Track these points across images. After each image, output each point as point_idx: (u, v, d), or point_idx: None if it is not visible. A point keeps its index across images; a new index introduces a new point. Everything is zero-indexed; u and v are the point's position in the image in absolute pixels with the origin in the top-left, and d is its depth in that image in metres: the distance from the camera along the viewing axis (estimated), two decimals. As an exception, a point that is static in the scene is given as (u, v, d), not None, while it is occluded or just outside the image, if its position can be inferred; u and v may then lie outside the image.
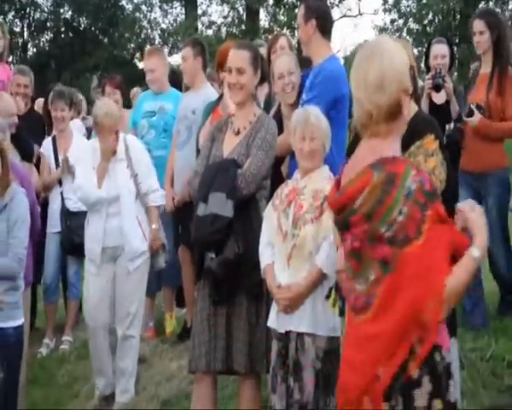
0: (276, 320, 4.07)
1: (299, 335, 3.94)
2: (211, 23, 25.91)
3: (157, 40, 26.29)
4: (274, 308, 4.09)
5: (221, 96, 5.90)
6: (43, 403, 5.70)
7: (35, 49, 28.15)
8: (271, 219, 4.11)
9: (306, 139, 4.10)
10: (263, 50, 5.98)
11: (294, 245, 3.95)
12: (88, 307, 5.68)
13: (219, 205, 4.16)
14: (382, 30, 25.80)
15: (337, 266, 2.89)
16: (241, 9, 25.69)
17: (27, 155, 6.28)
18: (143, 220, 5.66)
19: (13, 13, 27.32)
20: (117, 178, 5.54)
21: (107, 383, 5.66)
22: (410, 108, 2.81)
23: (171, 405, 5.40)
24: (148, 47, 17.07)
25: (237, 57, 4.48)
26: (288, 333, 3.99)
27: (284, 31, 21.46)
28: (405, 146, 3.52)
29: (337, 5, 25.94)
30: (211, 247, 4.24)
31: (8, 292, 4.32)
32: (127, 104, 8.07)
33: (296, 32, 6.11)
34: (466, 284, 2.53)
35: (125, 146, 5.61)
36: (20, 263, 4.38)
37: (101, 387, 5.66)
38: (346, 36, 47.63)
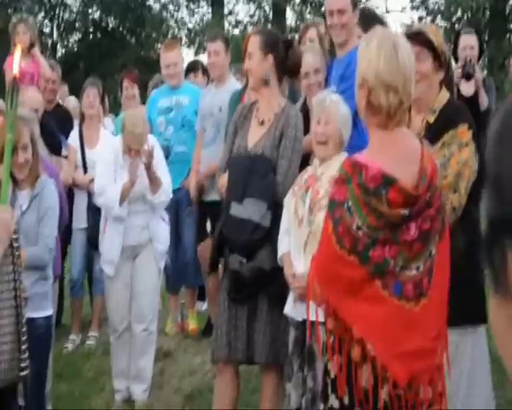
0: (292, 308, 4.04)
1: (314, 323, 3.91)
2: (237, 22, 25.91)
3: (184, 39, 26.33)
4: (291, 297, 4.05)
5: (246, 86, 5.86)
6: (69, 397, 5.71)
7: (64, 50, 28.34)
8: (290, 205, 4.07)
9: (321, 123, 4.06)
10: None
11: (310, 232, 3.89)
12: (109, 310, 5.69)
13: (260, 215, 4.18)
14: (410, 27, 25.59)
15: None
16: (267, 8, 25.66)
17: (55, 148, 6.27)
18: (166, 217, 5.64)
19: (42, 14, 27.53)
20: (143, 179, 5.42)
21: (127, 386, 5.60)
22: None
23: (195, 398, 5.42)
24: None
25: (249, 42, 4.53)
26: (305, 321, 3.93)
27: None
28: (438, 134, 3.50)
29: (364, 3, 25.83)
30: (244, 252, 4.23)
31: (38, 282, 4.29)
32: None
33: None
34: None
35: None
36: (49, 253, 4.37)
37: (122, 390, 5.59)
38: (373, 34, 47.56)
